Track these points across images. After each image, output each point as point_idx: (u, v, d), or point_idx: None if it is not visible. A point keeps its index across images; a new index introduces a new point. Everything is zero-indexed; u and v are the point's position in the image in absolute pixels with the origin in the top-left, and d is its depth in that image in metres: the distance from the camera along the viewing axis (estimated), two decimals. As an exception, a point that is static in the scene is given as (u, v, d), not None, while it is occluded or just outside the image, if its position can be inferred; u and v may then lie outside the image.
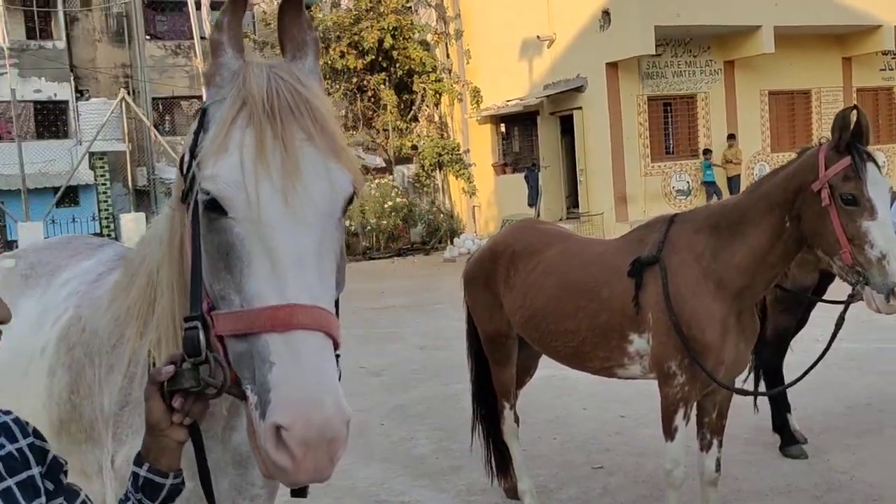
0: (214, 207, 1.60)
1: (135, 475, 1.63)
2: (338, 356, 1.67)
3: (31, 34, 29.63)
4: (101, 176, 28.63)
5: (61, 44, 29.60)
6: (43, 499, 1.54)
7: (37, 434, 1.59)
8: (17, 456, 1.51)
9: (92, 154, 27.93)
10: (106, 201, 28.75)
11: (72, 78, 29.41)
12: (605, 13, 20.58)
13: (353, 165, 1.67)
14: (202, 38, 24.11)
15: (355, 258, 22.92)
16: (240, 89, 1.63)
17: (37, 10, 28.93)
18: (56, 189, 23.27)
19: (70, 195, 27.27)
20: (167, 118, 32.22)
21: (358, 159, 1.75)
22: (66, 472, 1.63)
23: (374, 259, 22.76)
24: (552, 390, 7.53)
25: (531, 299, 4.72)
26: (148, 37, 31.28)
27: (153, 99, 30.80)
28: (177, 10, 30.55)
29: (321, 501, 5.64)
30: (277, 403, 1.46)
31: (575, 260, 4.67)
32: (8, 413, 1.56)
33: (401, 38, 24.44)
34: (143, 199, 30.01)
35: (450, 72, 25.45)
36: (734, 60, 22.03)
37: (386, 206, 22.98)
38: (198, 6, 24.09)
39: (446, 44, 25.63)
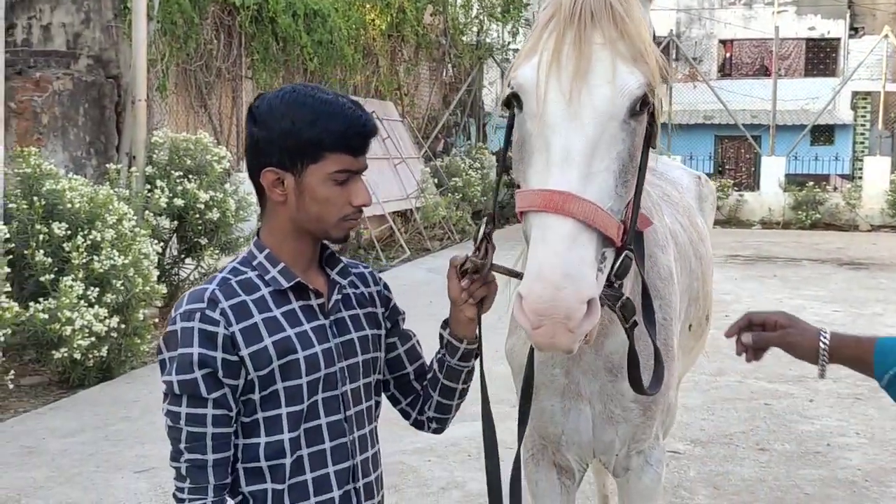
0: (517, 103, 1.84)
1: (440, 335, 1.98)
2: (627, 249, 1.78)
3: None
4: (862, 117, 27.78)
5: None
6: (382, 331, 2.00)
7: (385, 287, 2.05)
8: (367, 296, 1.99)
9: (856, 94, 27.22)
10: (863, 143, 27.85)
11: (847, 15, 28.87)
12: None
13: (653, 68, 1.75)
14: None
15: None
16: None
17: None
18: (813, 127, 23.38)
19: (826, 134, 27.13)
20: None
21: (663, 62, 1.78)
22: (403, 319, 2.06)
23: None
24: None
25: None
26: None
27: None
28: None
29: None
30: (524, 275, 1.67)
31: None
32: (366, 267, 2.06)
33: None
34: (905, 142, 28.27)
35: None
36: None
37: None
38: None
39: None
